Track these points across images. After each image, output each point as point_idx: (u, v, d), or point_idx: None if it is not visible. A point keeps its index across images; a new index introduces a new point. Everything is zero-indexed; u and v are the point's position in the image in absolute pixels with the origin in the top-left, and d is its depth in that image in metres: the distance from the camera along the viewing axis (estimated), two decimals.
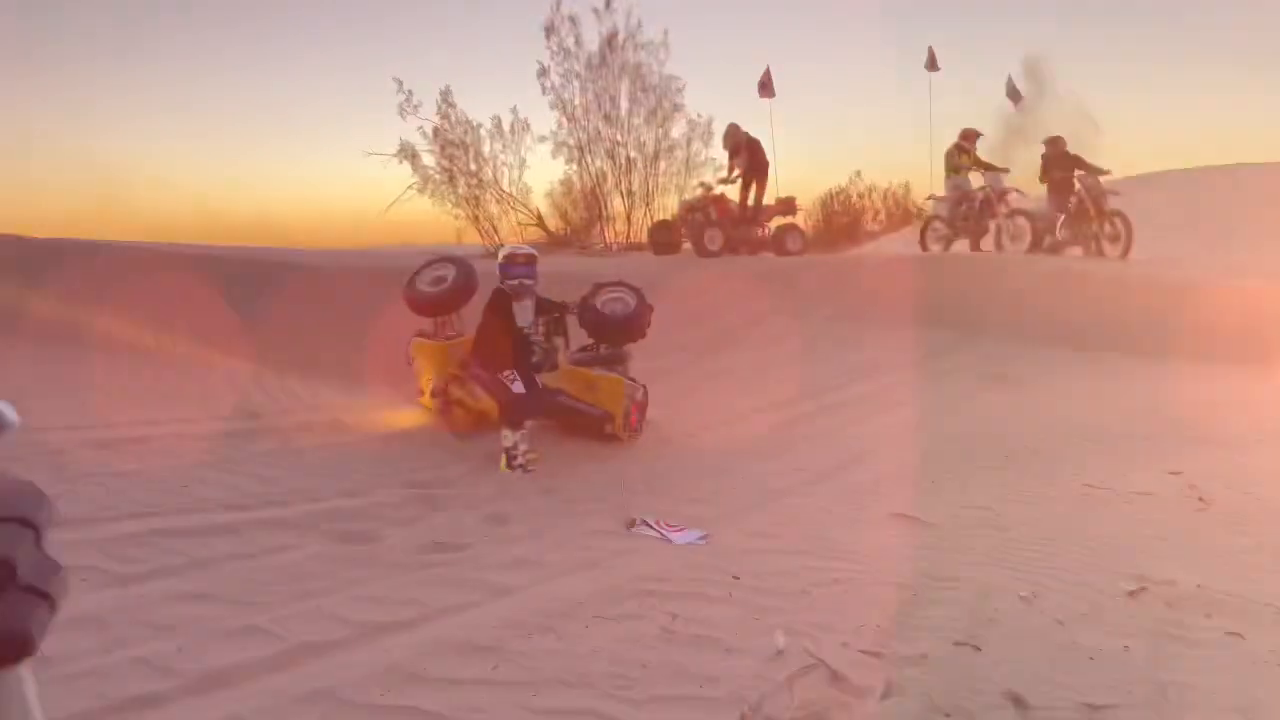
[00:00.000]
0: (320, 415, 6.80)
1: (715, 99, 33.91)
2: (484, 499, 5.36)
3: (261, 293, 8.93)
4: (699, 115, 19.64)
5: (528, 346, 6.14)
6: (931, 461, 6.46)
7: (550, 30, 18.90)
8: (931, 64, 16.41)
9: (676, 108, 19.62)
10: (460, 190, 19.76)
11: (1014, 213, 14.00)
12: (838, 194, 26.44)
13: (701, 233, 14.27)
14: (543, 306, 6.48)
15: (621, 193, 19.60)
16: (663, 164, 19.70)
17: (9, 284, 8.20)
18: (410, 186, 19.77)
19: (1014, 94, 15.69)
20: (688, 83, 19.53)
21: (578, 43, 19.07)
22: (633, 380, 6.93)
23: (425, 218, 23.35)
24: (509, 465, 5.91)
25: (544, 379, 6.77)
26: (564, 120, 19.25)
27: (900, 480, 6.04)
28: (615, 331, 6.93)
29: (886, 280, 12.58)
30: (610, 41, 19.17)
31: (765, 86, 15.44)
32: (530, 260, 6.15)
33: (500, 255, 6.21)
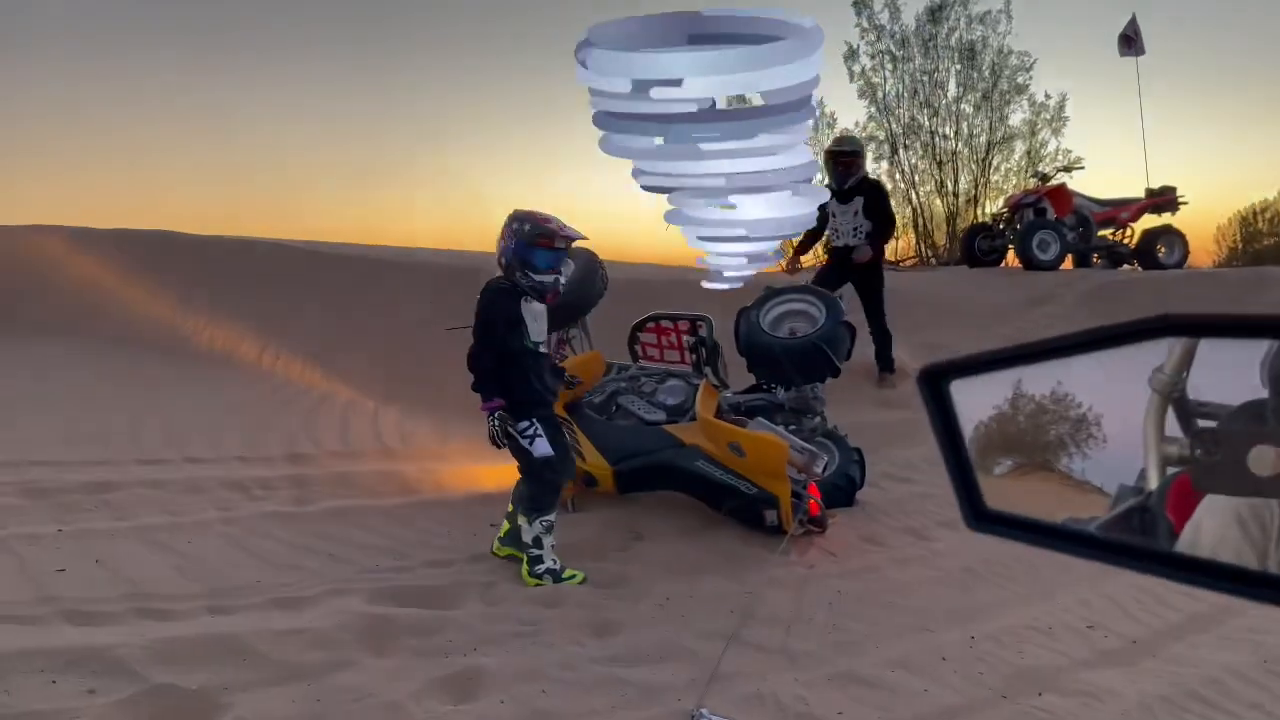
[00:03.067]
0: (375, 464, 5.17)
1: (1071, 73, 27.82)
2: (469, 638, 3.32)
3: (377, 298, 7.52)
4: (1047, 96, 16.18)
5: (548, 375, 3.99)
6: None
7: (861, 4, 16.51)
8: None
9: (1019, 89, 16.33)
10: None
11: None
12: (1263, 210, 21.15)
13: (1030, 237, 11.09)
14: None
15: (944, 195, 16.62)
16: (997, 158, 16.45)
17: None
18: None
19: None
20: (1037, 59, 16.15)
21: (893, 17, 16.50)
22: (815, 444, 4.55)
23: None
24: (534, 575, 3.87)
25: (681, 432, 4.62)
26: (874, 110, 16.71)
27: None
28: (793, 365, 4.59)
29: None
30: (935, 14, 16.39)
31: (1130, 41, 11.89)
32: (566, 244, 3.90)
33: (521, 225, 3.83)
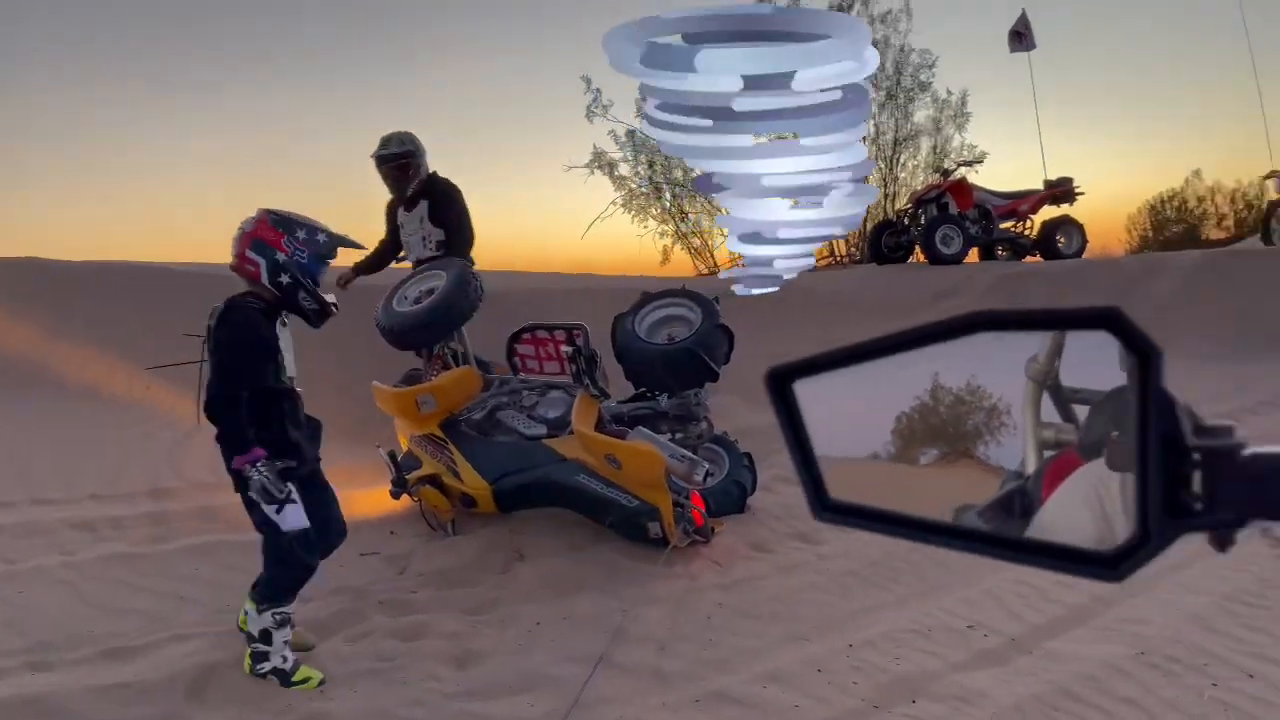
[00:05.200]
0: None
1: (971, 69, 28.53)
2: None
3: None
4: (950, 93, 16.43)
5: (303, 422, 3.22)
6: None
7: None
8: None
9: (923, 86, 16.54)
10: (665, 203, 17.94)
11: None
12: (1171, 198, 21.87)
13: (933, 232, 11.20)
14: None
15: None
16: (904, 155, 16.65)
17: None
18: (613, 203, 18.23)
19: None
20: (939, 56, 16.38)
21: None
22: (703, 451, 4.45)
23: (634, 242, 21.57)
24: (257, 672, 3.09)
25: (562, 446, 4.47)
26: None
27: None
28: (670, 371, 4.48)
29: (1196, 288, 8.96)
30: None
31: (1021, 36, 12.10)
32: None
33: (312, 234, 3.19)
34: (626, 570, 4.10)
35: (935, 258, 11.25)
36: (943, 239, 11.19)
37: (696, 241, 18.16)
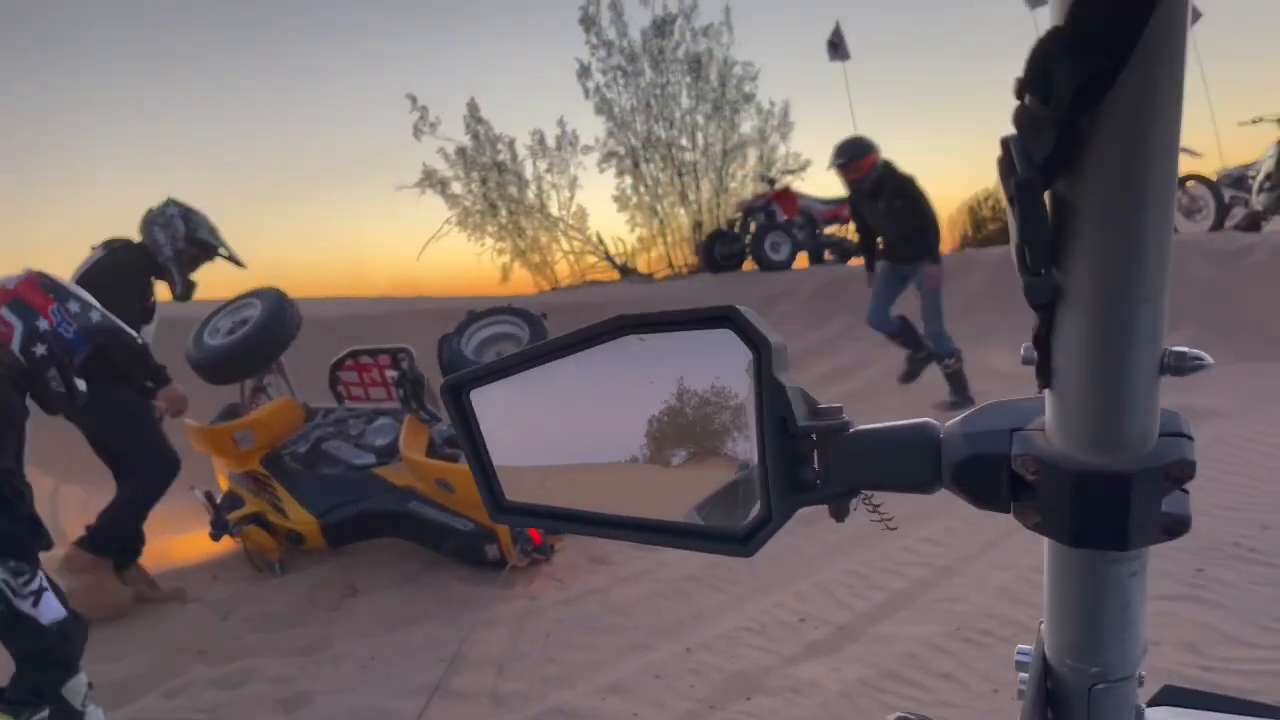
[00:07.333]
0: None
1: (793, 81, 29.75)
2: None
3: None
4: (772, 103, 17.08)
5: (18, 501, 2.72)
6: None
7: (588, 21, 16.79)
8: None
9: (747, 98, 17.12)
10: (502, 220, 17.84)
11: (1186, 179, 10.81)
12: (985, 199, 23.36)
13: (762, 240, 11.62)
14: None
15: (687, 204, 17.14)
16: (733, 165, 17.17)
17: None
18: (447, 221, 17.99)
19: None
20: (761, 68, 17.00)
21: (620, 32, 16.87)
22: None
23: (473, 260, 21.37)
24: None
25: (393, 474, 4.38)
26: (612, 125, 16.99)
27: None
28: None
29: (1000, 281, 9.61)
30: (661, 28, 16.90)
31: (836, 46, 12.74)
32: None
33: None
34: (465, 596, 4.05)
35: (765, 264, 11.67)
36: (771, 246, 11.63)
37: (536, 258, 18.21)
